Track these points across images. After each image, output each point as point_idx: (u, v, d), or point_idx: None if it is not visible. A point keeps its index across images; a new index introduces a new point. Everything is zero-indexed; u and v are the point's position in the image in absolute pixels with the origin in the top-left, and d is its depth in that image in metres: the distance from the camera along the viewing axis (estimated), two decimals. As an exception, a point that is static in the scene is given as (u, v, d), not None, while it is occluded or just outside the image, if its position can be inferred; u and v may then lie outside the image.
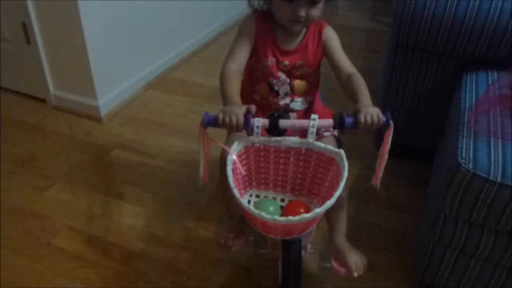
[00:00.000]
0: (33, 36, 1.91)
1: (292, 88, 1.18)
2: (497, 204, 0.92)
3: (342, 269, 1.12)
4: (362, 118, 0.94)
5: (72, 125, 1.98)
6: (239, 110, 0.96)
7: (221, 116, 0.96)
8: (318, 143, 1.01)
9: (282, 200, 1.12)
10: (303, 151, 1.04)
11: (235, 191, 0.90)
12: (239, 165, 1.01)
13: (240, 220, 1.16)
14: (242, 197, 0.97)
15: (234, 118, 0.95)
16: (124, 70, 2.09)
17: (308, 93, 1.21)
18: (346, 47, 1.16)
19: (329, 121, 0.97)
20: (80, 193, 1.62)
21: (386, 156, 1.01)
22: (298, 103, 1.21)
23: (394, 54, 1.45)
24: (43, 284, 1.29)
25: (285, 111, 1.17)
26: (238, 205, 0.92)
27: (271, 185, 1.13)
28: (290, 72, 1.17)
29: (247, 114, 0.97)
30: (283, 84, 1.18)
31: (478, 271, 1.06)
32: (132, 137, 1.90)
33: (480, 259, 1.04)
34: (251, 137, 1.00)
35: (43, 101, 2.11)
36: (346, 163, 0.94)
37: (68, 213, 1.52)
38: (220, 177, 1.15)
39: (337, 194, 0.88)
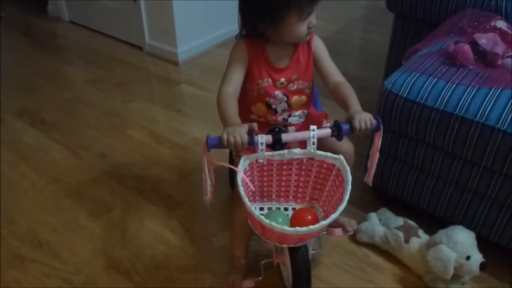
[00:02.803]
0: (138, -4, 2.58)
1: (289, 104, 1.22)
2: (404, 115, 1.31)
3: (338, 229, 1.30)
4: (357, 124, 1.03)
5: (157, 65, 2.64)
6: (242, 129, 1.00)
7: (225, 136, 0.99)
8: (319, 152, 1.07)
9: (286, 209, 1.20)
10: (304, 161, 1.11)
11: (252, 209, 0.97)
12: (249, 182, 1.06)
13: (245, 261, 1.30)
14: None
15: (238, 137, 0.99)
16: (201, 28, 2.69)
17: (305, 106, 1.26)
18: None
19: (327, 131, 1.05)
20: (151, 106, 2.26)
21: (377, 155, 1.12)
22: (296, 118, 1.25)
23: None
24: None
25: (284, 126, 1.23)
26: (244, 240, 1.21)
27: (274, 196, 1.19)
28: (286, 89, 1.20)
29: (250, 132, 1.02)
30: (281, 102, 1.21)
31: (406, 176, 1.45)
32: (197, 78, 2.50)
33: (404, 163, 1.43)
34: (255, 154, 1.05)
35: (140, 48, 2.79)
36: (348, 168, 1.04)
37: (141, 117, 2.18)
38: (229, 221, 1.33)
39: (341, 207, 0.96)
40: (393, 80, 1.32)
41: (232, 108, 1.11)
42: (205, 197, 1.09)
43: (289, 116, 1.24)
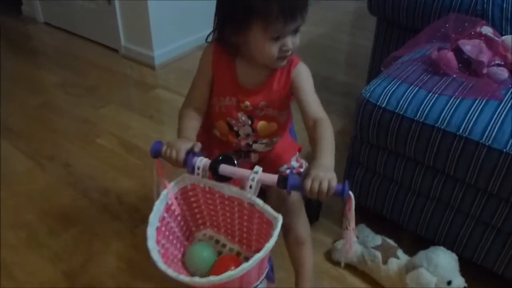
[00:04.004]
0: (113, -2, 2.47)
1: (254, 130, 1.07)
2: (382, 127, 1.21)
3: None
4: (307, 184, 0.81)
5: (133, 69, 2.53)
6: (182, 146, 0.91)
7: (164, 148, 0.92)
8: (258, 201, 0.88)
9: (231, 249, 1.02)
10: (246, 205, 0.92)
11: (151, 244, 0.83)
12: (174, 203, 0.95)
13: None
14: (192, 234, 1.00)
15: (174, 153, 0.90)
16: (179, 31, 2.58)
17: (275, 134, 1.10)
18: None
19: (273, 178, 0.86)
20: (124, 112, 2.15)
21: (352, 232, 0.90)
22: (262, 145, 1.11)
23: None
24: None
25: (247, 152, 1.12)
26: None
27: (222, 230, 1.03)
28: (252, 113, 1.04)
29: (191, 151, 0.92)
30: (244, 125, 1.06)
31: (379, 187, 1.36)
32: (174, 82, 2.40)
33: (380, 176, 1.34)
34: (192, 177, 0.93)
35: (116, 51, 2.68)
36: (276, 233, 0.81)
37: (111, 124, 2.06)
38: None
39: (256, 257, 0.78)
40: (371, 89, 1.23)
41: (187, 123, 1.02)
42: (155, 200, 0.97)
43: (254, 142, 1.09)
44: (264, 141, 1.10)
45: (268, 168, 1.02)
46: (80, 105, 2.22)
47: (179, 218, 0.99)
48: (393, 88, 1.21)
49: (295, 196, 1.07)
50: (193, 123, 1.02)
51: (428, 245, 1.25)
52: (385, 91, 1.21)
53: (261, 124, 1.06)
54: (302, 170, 1.16)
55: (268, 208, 0.87)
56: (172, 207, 0.95)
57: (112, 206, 1.63)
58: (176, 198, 0.95)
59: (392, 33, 1.74)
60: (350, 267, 1.35)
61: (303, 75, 1.01)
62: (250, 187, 0.87)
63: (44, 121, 2.11)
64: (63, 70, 2.53)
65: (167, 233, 0.95)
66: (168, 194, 0.93)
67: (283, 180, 0.85)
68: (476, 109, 1.12)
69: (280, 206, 1.02)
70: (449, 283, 1.15)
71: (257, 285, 0.89)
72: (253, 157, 1.13)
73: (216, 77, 1.04)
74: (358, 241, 1.34)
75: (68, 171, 1.80)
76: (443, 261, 1.16)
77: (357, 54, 2.69)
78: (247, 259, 0.88)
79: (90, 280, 1.36)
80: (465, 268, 1.21)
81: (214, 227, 1.04)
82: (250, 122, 1.05)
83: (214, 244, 1.03)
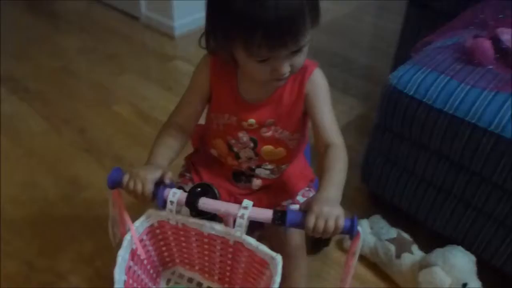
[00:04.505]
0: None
1: (257, 154, 0.92)
2: (408, 116, 1.15)
3: None
4: (311, 222, 0.69)
5: (152, 38, 2.48)
6: (149, 176, 0.75)
7: (125, 179, 0.76)
8: (250, 240, 0.75)
9: None
10: (231, 243, 0.79)
11: None
12: (140, 248, 0.80)
13: None
14: (159, 276, 0.86)
15: (139, 186, 0.74)
16: (200, 2, 2.49)
17: (283, 162, 0.95)
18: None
19: (267, 213, 0.73)
20: (142, 82, 2.12)
21: (352, 271, 0.78)
22: (266, 171, 0.95)
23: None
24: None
25: (249, 176, 0.97)
26: None
27: (197, 268, 0.90)
28: (258, 133, 0.89)
29: (160, 182, 0.76)
30: (244, 148, 0.91)
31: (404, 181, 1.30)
32: (194, 54, 2.32)
33: (404, 170, 1.28)
34: (163, 212, 0.78)
35: (137, 19, 2.63)
36: (278, 278, 0.70)
37: (129, 92, 2.03)
38: None
39: None
40: (399, 75, 1.16)
41: (161, 147, 0.85)
42: (111, 237, 0.83)
43: (258, 166, 0.94)
44: (269, 166, 0.95)
45: (270, 199, 0.96)
46: (99, 71, 2.19)
47: (145, 261, 0.85)
48: (423, 76, 1.14)
49: (298, 239, 0.92)
50: (170, 147, 0.86)
51: (445, 243, 1.20)
52: (413, 78, 1.14)
53: (266, 149, 0.91)
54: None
55: (263, 247, 0.74)
56: (138, 252, 0.80)
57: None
58: (141, 240, 0.81)
59: (424, 17, 1.64)
60: (361, 258, 1.31)
61: (319, 88, 0.86)
62: (240, 225, 0.73)
63: (62, 85, 2.09)
64: (83, 35, 2.51)
65: (134, 284, 0.81)
66: (132, 239, 0.78)
67: (280, 216, 0.72)
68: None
69: (279, 248, 0.80)
70: (464, 285, 1.10)
71: None
72: (255, 183, 0.97)
73: (215, 93, 0.89)
74: (371, 232, 1.30)
75: (83, 136, 1.79)
76: (460, 262, 1.11)
77: (382, 37, 2.58)
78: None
79: (97, 243, 1.35)
80: (483, 271, 1.16)
81: (185, 264, 0.90)
82: (252, 145, 0.90)
83: (187, 283, 0.90)
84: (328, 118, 0.85)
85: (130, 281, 0.78)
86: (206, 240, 0.82)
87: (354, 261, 0.76)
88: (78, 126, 1.83)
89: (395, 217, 1.35)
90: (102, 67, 2.23)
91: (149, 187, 0.74)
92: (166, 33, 2.48)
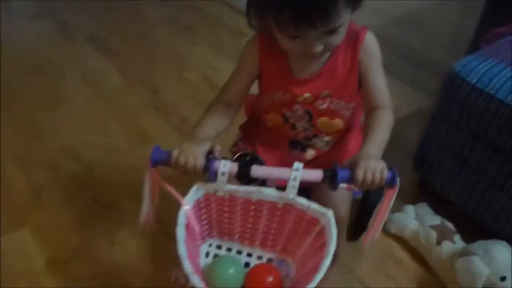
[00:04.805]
0: None
1: (313, 125, 0.94)
2: (468, 105, 1.15)
3: None
4: (360, 175, 0.73)
5: (229, 15, 2.59)
6: (200, 149, 0.76)
7: (175, 154, 0.76)
8: (301, 200, 0.78)
9: (249, 254, 0.89)
10: (280, 206, 0.82)
11: (186, 263, 0.70)
12: (193, 221, 0.80)
13: None
14: (199, 246, 0.85)
15: (191, 160, 0.75)
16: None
17: (340, 133, 0.97)
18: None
19: (318, 173, 0.77)
20: (214, 54, 2.23)
21: (384, 218, 0.81)
22: (322, 143, 0.97)
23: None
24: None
25: (305, 146, 0.98)
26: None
27: (236, 236, 0.90)
28: (313, 105, 0.90)
29: (210, 154, 0.78)
30: (300, 120, 0.93)
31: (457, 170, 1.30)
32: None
33: (458, 158, 1.28)
34: (213, 184, 0.79)
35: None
36: (334, 232, 0.73)
37: (201, 62, 2.15)
38: None
39: (317, 276, 0.68)
40: (464, 63, 1.17)
41: (209, 118, 0.88)
42: (140, 218, 0.83)
43: (315, 136, 0.96)
44: (326, 138, 0.96)
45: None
46: (175, 40, 2.33)
47: (191, 235, 0.85)
48: (488, 67, 1.14)
49: (343, 211, 0.94)
50: (217, 121, 0.88)
51: (490, 238, 1.19)
52: (478, 67, 1.14)
53: (321, 120, 0.92)
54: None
55: (314, 205, 0.78)
56: (191, 226, 0.80)
57: (188, 131, 1.72)
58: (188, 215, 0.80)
59: (500, 16, 1.60)
60: (402, 241, 1.33)
61: (372, 54, 0.86)
62: (293, 187, 0.76)
63: (141, 48, 2.26)
64: (166, 6, 2.66)
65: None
66: (185, 213, 0.77)
67: (331, 174, 0.75)
68: None
69: None
70: (502, 279, 1.09)
71: None
72: (309, 153, 0.98)
73: (265, 72, 0.90)
74: (416, 218, 1.31)
75: (155, 95, 1.93)
76: (502, 255, 1.10)
77: (459, 35, 2.50)
78: (270, 260, 0.86)
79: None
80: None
81: (223, 235, 0.90)
82: (308, 117, 0.92)
83: (226, 252, 0.90)
84: (379, 82, 0.87)
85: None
86: (253, 207, 0.84)
87: (386, 211, 0.80)
88: (151, 86, 1.98)
89: (443, 207, 1.35)
90: (179, 36, 2.37)
91: (201, 161, 0.75)
92: (242, 11, 2.57)
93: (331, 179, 0.76)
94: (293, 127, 0.95)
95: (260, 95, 0.96)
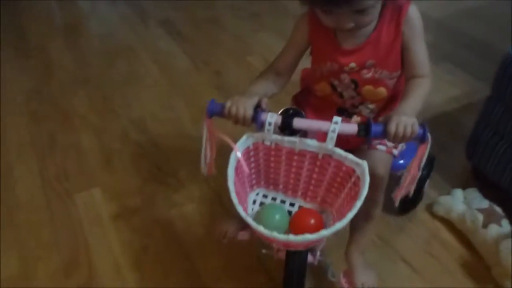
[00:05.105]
0: None
1: (359, 94, 1.00)
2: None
3: (347, 286, 1.05)
4: (392, 128, 0.80)
5: (294, 3, 2.62)
6: (249, 101, 0.86)
7: (228, 104, 0.86)
8: (339, 151, 0.86)
9: (292, 204, 0.99)
10: (320, 156, 0.90)
11: (235, 198, 0.79)
12: (243, 163, 0.88)
13: None
14: (248, 194, 0.93)
15: (242, 110, 0.84)
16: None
17: (385, 102, 1.02)
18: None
19: (353, 127, 0.84)
20: (277, 40, 2.27)
21: (417, 174, 0.89)
22: (367, 110, 1.03)
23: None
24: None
25: (351, 113, 1.04)
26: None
27: (281, 187, 0.99)
28: (358, 75, 0.96)
29: (258, 107, 0.87)
30: (347, 88, 1.00)
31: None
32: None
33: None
34: (261, 134, 0.88)
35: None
36: (367, 179, 0.81)
37: (264, 47, 2.24)
38: None
39: (349, 215, 0.76)
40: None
41: (260, 81, 0.97)
42: (201, 165, 0.96)
43: (361, 104, 1.02)
44: (371, 106, 1.02)
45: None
46: (241, 26, 2.44)
47: (241, 180, 0.93)
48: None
49: (381, 170, 0.99)
50: (266, 85, 0.97)
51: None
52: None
53: (366, 89, 0.98)
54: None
55: (351, 156, 0.85)
56: (242, 167, 0.89)
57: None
58: (238, 161, 0.88)
59: None
60: (448, 223, 1.33)
61: (415, 25, 0.91)
62: (331, 138, 0.84)
63: (208, 33, 2.39)
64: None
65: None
66: (235, 157, 0.86)
67: (364, 128, 0.82)
68: None
69: None
70: (547, 262, 1.08)
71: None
72: (354, 119, 1.04)
73: (315, 45, 0.98)
74: (464, 201, 1.31)
75: (217, 76, 2.04)
76: (548, 239, 1.09)
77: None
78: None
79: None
80: None
81: (269, 185, 0.99)
82: (353, 86, 0.98)
83: (271, 201, 0.99)
84: (421, 52, 0.92)
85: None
86: (295, 157, 0.92)
87: (418, 166, 0.86)
88: (215, 68, 2.09)
89: (494, 194, 1.33)
90: (244, 22, 2.47)
91: (250, 112, 0.85)
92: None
93: (365, 132, 0.82)
94: (341, 95, 1.01)
95: (311, 66, 1.03)
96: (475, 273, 1.22)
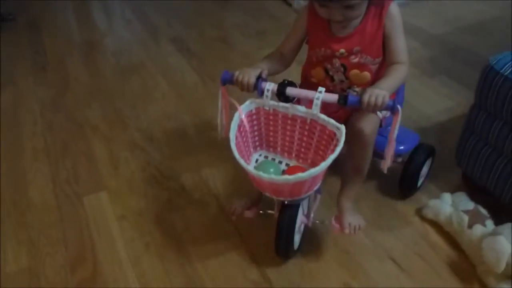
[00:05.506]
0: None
1: (347, 77, 1.17)
2: (501, 95, 1.18)
3: (337, 225, 1.19)
4: (366, 98, 0.99)
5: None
6: (253, 72, 1.08)
7: (236, 73, 1.09)
8: (323, 116, 1.06)
9: (287, 164, 1.19)
10: (308, 121, 1.10)
11: (235, 149, 0.99)
12: (245, 121, 1.09)
13: (258, 195, 1.25)
14: (251, 154, 1.14)
15: (246, 78, 1.07)
16: None
17: (371, 85, 1.12)
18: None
19: (334, 96, 1.03)
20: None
21: (394, 143, 1.06)
22: (354, 93, 1.17)
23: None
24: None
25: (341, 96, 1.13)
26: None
27: (279, 149, 1.19)
28: (347, 60, 1.14)
29: (259, 77, 1.09)
30: (337, 72, 1.17)
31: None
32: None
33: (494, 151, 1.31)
34: (261, 99, 1.10)
35: (289, 4, 2.94)
36: (342, 140, 0.99)
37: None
38: None
39: (323, 164, 0.96)
40: (500, 58, 1.22)
41: (266, 60, 1.20)
42: (218, 129, 1.18)
43: (349, 87, 1.20)
44: (357, 89, 1.19)
45: (348, 115, 1.18)
46: (247, 44, 2.54)
47: (244, 138, 1.13)
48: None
49: (368, 130, 1.14)
50: (271, 64, 1.18)
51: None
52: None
53: (353, 72, 1.16)
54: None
55: (332, 121, 1.04)
56: (243, 125, 1.10)
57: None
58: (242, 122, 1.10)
59: None
60: (437, 226, 1.38)
61: (395, 20, 1.10)
62: (316, 105, 1.04)
63: (216, 50, 2.50)
64: (240, 13, 2.92)
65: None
66: (238, 117, 1.08)
67: (343, 97, 1.01)
68: None
69: (353, 138, 1.14)
70: (527, 259, 1.12)
71: (308, 194, 1.09)
72: None
73: (311, 32, 1.18)
74: (451, 204, 1.36)
75: (222, 90, 2.13)
76: (528, 236, 1.13)
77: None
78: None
79: (212, 160, 1.66)
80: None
81: (269, 147, 1.20)
82: (343, 69, 1.16)
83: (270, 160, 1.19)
84: (399, 42, 1.11)
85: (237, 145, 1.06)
86: (289, 121, 1.12)
87: (393, 134, 1.04)
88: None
89: (483, 199, 1.37)
90: (250, 40, 2.58)
91: (253, 80, 1.08)
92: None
93: (343, 100, 1.02)
94: (332, 79, 1.19)
95: (308, 53, 1.22)
96: (462, 272, 1.26)
